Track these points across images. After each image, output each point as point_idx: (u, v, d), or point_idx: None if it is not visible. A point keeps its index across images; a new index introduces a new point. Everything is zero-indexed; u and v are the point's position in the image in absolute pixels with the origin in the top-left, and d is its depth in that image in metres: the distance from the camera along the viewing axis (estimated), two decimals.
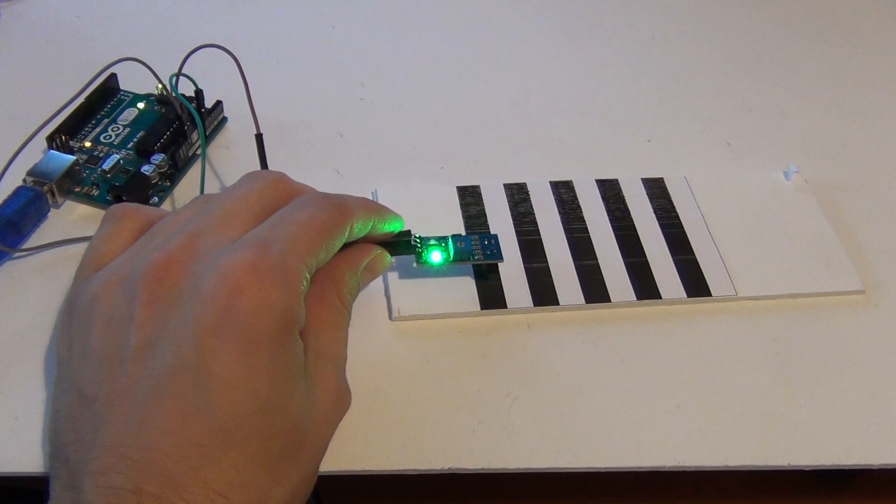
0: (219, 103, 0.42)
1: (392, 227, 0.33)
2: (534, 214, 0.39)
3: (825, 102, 0.47)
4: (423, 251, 0.34)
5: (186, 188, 0.40)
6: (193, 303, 0.25)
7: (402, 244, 0.34)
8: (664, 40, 0.51)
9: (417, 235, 0.34)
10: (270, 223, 0.28)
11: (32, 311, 0.34)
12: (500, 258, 0.35)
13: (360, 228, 0.31)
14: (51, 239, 0.36)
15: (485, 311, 0.35)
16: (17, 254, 0.36)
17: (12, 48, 0.47)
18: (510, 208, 0.39)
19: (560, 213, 0.39)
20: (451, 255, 0.34)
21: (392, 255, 0.34)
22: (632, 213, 0.39)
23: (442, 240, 0.35)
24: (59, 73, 0.45)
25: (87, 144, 0.40)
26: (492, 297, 0.35)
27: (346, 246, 0.31)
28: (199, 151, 0.41)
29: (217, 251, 0.27)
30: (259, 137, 0.38)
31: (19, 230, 0.36)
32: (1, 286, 0.35)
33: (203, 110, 0.41)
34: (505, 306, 0.35)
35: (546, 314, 0.35)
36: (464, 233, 0.38)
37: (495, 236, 0.35)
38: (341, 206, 0.30)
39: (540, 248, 0.37)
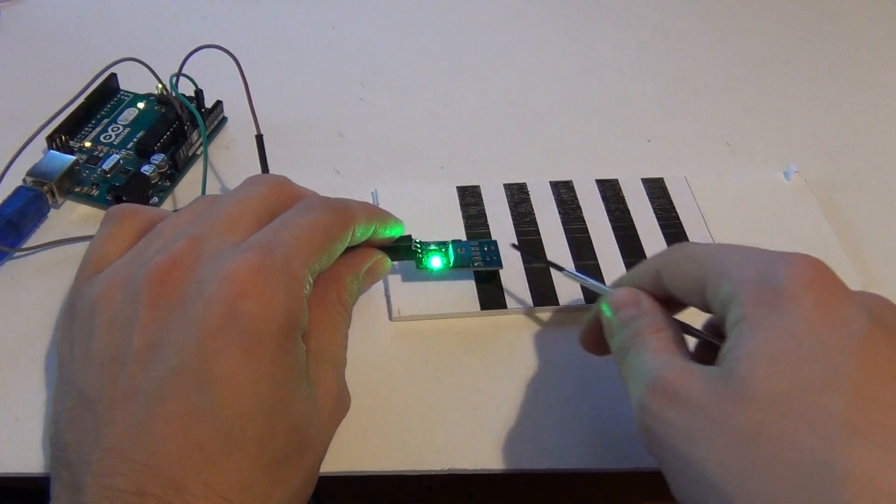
0: (219, 103, 0.42)
1: (393, 232, 0.33)
2: (534, 214, 0.39)
3: (825, 102, 0.47)
4: (423, 256, 0.34)
5: (186, 188, 0.40)
6: (197, 305, 0.25)
7: (403, 249, 0.34)
8: (664, 40, 0.51)
9: (418, 241, 0.34)
10: (273, 227, 0.28)
11: (32, 311, 0.34)
12: (500, 265, 0.35)
13: (362, 233, 0.31)
14: (51, 239, 0.36)
15: (485, 312, 0.35)
16: (17, 254, 0.36)
17: (12, 48, 0.47)
18: (510, 208, 0.39)
19: (560, 213, 0.39)
20: (451, 261, 0.34)
21: (393, 259, 0.34)
22: (632, 213, 0.39)
23: (442, 245, 0.35)
24: (59, 73, 0.45)
25: (87, 144, 0.40)
26: (491, 297, 0.35)
27: (348, 250, 0.31)
28: (198, 151, 0.41)
29: (220, 255, 0.27)
30: (259, 139, 0.38)
31: (19, 230, 0.36)
32: (1, 286, 0.35)
33: (203, 110, 0.41)
34: (505, 306, 0.35)
35: (546, 314, 0.35)
36: (464, 233, 0.38)
37: (495, 242, 0.35)
38: (344, 211, 0.30)
39: (540, 249, 0.37)
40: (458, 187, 0.40)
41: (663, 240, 0.38)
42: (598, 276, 0.36)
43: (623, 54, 0.50)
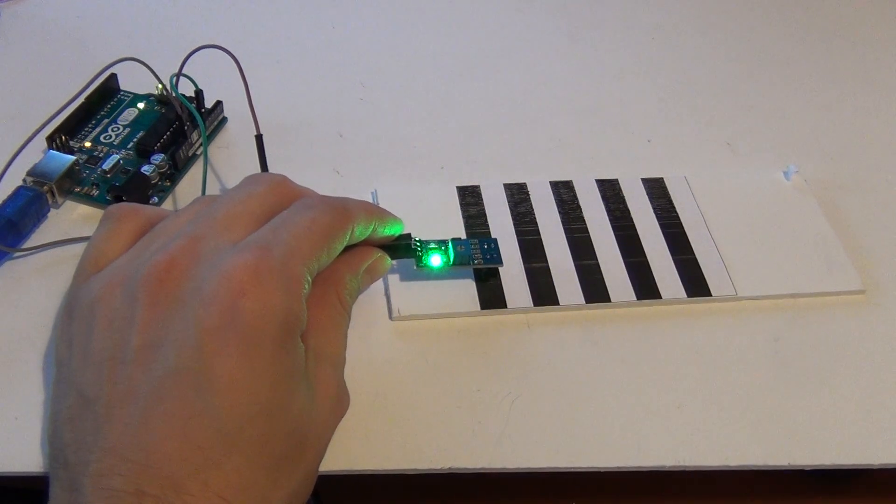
0: (219, 103, 0.42)
1: (393, 231, 0.33)
2: (534, 214, 0.39)
3: (825, 102, 0.47)
4: (423, 255, 0.34)
5: (186, 188, 0.40)
6: (195, 305, 0.25)
7: (403, 247, 0.34)
8: (664, 40, 0.51)
9: (418, 239, 0.34)
10: (272, 226, 0.28)
11: (32, 311, 0.34)
12: (500, 263, 0.35)
13: (361, 232, 0.31)
14: (51, 239, 0.36)
15: (485, 311, 0.35)
16: (17, 254, 0.36)
17: (12, 48, 0.47)
18: (510, 208, 0.39)
19: (560, 213, 0.39)
20: (451, 259, 0.34)
21: (392, 258, 0.34)
22: (632, 213, 0.39)
23: (442, 243, 0.35)
24: (59, 73, 0.45)
25: (87, 144, 0.40)
26: (492, 296, 0.35)
27: (347, 249, 0.31)
28: (198, 151, 0.41)
29: (219, 254, 0.27)
30: (259, 138, 0.38)
31: (19, 230, 0.36)
32: (1, 286, 0.35)
33: (203, 110, 0.41)
34: (505, 306, 0.35)
35: (546, 314, 0.35)
36: (464, 233, 0.38)
37: (495, 240, 0.35)
38: (343, 210, 0.30)
39: (540, 248, 0.37)
40: (458, 187, 0.40)
41: (663, 240, 0.38)
42: (598, 276, 0.36)
43: (623, 54, 0.50)
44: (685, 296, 0.36)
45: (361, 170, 0.41)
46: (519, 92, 0.47)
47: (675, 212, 0.39)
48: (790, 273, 0.37)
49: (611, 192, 0.40)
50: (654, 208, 0.39)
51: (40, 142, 0.38)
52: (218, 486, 0.24)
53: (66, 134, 0.40)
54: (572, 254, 0.37)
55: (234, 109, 0.43)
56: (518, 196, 0.40)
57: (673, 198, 0.40)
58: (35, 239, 0.37)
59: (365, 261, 0.32)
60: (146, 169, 0.38)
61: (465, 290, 0.35)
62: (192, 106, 0.40)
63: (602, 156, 0.43)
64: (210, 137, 0.42)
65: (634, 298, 0.35)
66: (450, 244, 0.35)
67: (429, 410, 0.32)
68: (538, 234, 0.38)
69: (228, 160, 0.41)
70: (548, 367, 0.33)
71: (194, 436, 0.24)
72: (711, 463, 0.31)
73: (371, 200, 0.39)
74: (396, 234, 0.33)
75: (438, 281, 0.35)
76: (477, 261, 0.34)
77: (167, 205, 0.39)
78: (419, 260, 0.34)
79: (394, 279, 0.35)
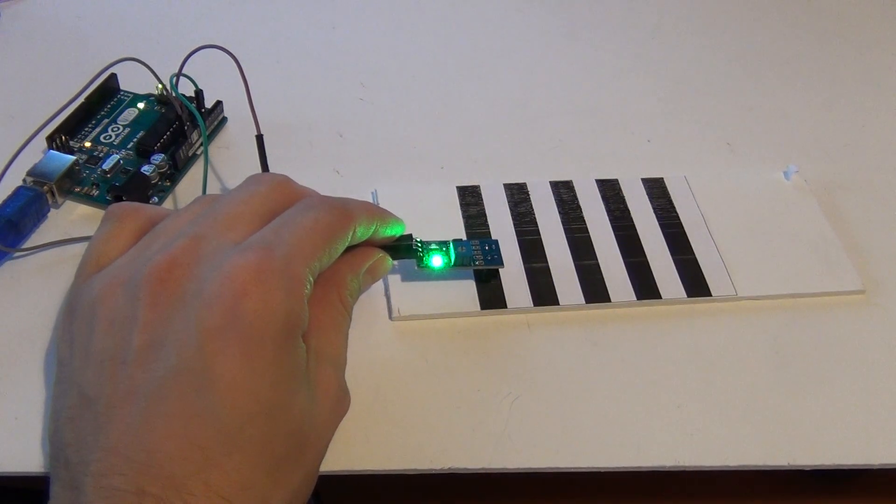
0: (219, 103, 0.42)
1: (394, 231, 0.33)
2: (534, 214, 0.39)
3: (825, 102, 0.47)
4: (424, 255, 0.34)
5: (186, 188, 0.40)
6: (197, 305, 0.25)
7: (404, 248, 0.34)
8: (664, 40, 0.51)
9: (419, 240, 0.34)
10: (274, 227, 0.28)
11: (32, 311, 0.34)
12: (501, 264, 0.35)
13: (362, 232, 0.31)
14: (51, 239, 0.36)
15: (485, 311, 0.35)
16: (17, 254, 0.36)
17: (12, 48, 0.47)
18: (510, 208, 0.39)
19: (560, 213, 0.39)
20: (452, 259, 0.34)
21: (393, 258, 0.34)
22: (632, 213, 0.39)
23: (443, 244, 0.35)
24: (59, 73, 0.45)
25: (87, 144, 0.40)
26: (492, 297, 0.35)
27: (349, 249, 0.31)
28: (199, 151, 0.41)
29: (221, 254, 0.27)
30: (260, 138, 0.38)
31: (19, 230, 0.36)
32: (1, 286, 0.35)
33: (203, 110, 0.41)
34: (505, 306, 0.35)
35: (546, 314, 0.35)
36: (464, 233, 0.38)
37: (496, 242, 0.35)
38: (344, 211, 0.30)
39: (540, 248, 0.37)
40: (458, 187, 0.40)
41: (663, 240, 0.38)
42: (598, 276, 0.36)
43: (623, 54, 0.50)
44: (685, 296, 0.36)
45: (361, 170, 0.41)
46: (519, 92, 0.47)
47: (675, 212, 0.39)
48: (790, 273, 0.37)
49: (611, 192, 0.40)
50: (654, 208, 0.39)
51: (40, 142, 0.38)
52: (219, 485, 0.24)
53: (66, 134, 0.40)
54: (572, 254, 0.37)
55: (234, 109, 0.43)
56: (518, 196, 0.40)
57: (673, 198, 0.40)
58: (35, 239, 0.37)
59: (366, 261, 0.32)
60: (146, 169, 0.38)
61: (466, 291, 0.35)
62: (192, 106, 0.40)
63: (602, 156, 0.43)
64: (210, 137, 0.42)
65: (634, 298, 0.35)
66: (451, 245, 0.35)
67: (429, 410, 0.32)
68: (538, 234, 0.38)
69: (229, 160, 0.41)
70: (548, 367, 0.33)
71: (195, 435, 0.24)
72: (711, 463, 0.31)
73: (371, 200, 0.39)
74: (398, 235, 0.34)
75: (438, 281, 0.35)
76: (478, 261, 0.35)
77: (167, 205, 0.39)
78: (420, 261, 0.34)
79: (394, 279, 0.35)
